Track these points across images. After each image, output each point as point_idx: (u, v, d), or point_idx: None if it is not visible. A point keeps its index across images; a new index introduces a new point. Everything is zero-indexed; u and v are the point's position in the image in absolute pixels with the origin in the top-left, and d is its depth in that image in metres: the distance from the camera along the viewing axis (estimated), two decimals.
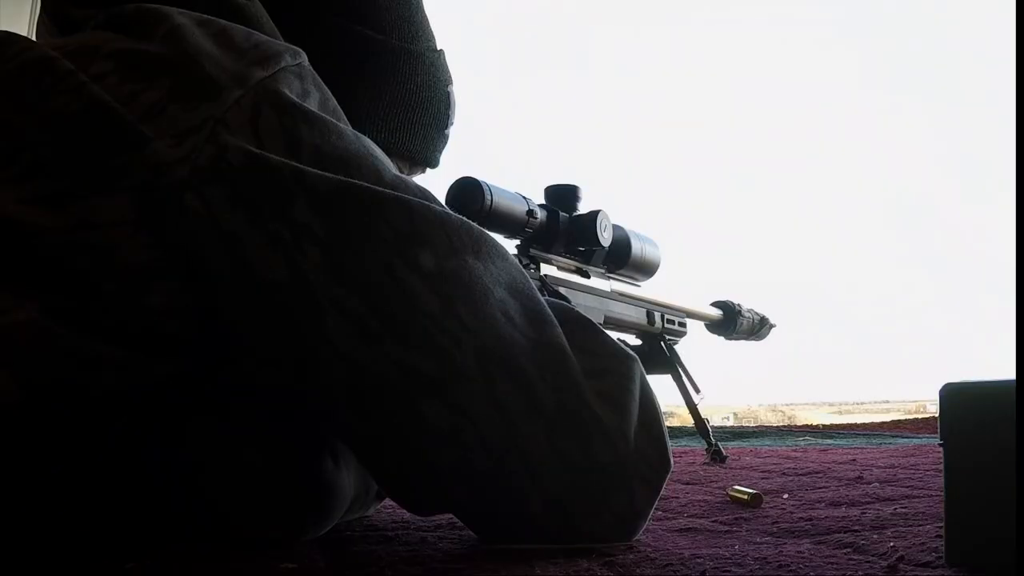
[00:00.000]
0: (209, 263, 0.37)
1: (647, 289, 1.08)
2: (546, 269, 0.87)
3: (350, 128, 0.41)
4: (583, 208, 0.92)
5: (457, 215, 0.41)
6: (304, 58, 0.42)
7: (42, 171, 0.37)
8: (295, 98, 0.39)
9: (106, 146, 0.37)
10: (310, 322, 0.37)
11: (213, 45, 0.39)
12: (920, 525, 0.54)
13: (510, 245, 0.85)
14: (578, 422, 0.40)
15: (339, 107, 0.43)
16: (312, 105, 0.40)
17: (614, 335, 1.18)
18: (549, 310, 0.42)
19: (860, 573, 0.40)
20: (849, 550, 0.46)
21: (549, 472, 0.40)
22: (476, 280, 0.39)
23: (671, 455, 0.45)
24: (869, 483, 0.82)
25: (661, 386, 1.19)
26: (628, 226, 0.99)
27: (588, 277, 0.92)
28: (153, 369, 0.38)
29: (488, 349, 0.39)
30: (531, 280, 0.43)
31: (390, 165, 0.41)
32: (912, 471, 0.92)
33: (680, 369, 1.16)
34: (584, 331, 0.44)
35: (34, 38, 0.46)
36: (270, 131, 0.37)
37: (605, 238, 0.91)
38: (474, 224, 0.42)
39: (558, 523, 0.41)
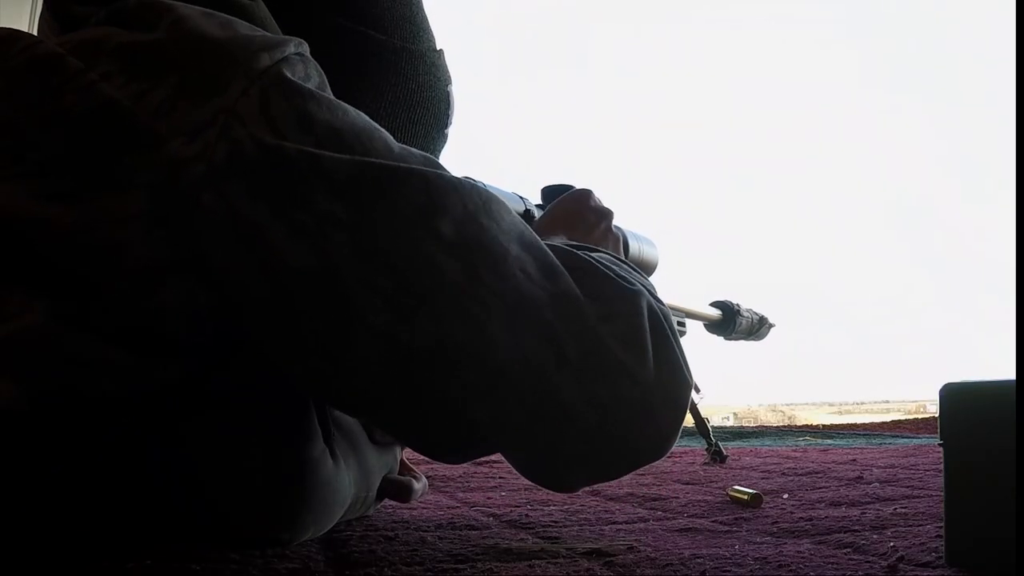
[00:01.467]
0: (230, 258, 0.37)
1: None
2: None
3: (351, 106, 0.42)
4: None
5: (464, 178, 0.41)
6: (306, 48, 0.42)
7: (52, 168, 0.37)
8: (299, 81, 0.39)
9: (118, 144, 0.37)
10: (343, 305, 0.37)
11: (219, 31, 0.39)
12: (920, 525, 0.54)
13: None
14: (604, 366, 0.41)
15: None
16: (312, 87, 0.40)
17: None
18: (556, 258, 0.43)
19: (860, 573, 0.40)
20: (849, 550, 0.46)
21: (582, 414, 0.41)
22: (493, 241, 0.40)
23: (691, 376, 0.47)
24: (869, 483, 0.82)
25: None
26: (626, 226, 0.99)
27: None
28: (156, 374, 0.38)
29: (514, 310, 0.39)
30: (534, 233, 0.44)
31: (391, 137, 0.42)
32: (912, 471, 0.92)
33: None
34: (591, 277, 0.44)
35: None
36: (281, 114, 0.38)
37: None
38: (479, 183, 0.42)
39: (594, 457, 0.43)
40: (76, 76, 0.38)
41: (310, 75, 0.41)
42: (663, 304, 0.47)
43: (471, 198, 0.40)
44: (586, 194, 0.69)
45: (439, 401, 0.40)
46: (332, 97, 0.41)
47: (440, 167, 0.41)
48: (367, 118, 0.42)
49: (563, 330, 0.40)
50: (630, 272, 0.47)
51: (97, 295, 0.36)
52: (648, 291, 0.46)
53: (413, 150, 0.41)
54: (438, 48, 0.61)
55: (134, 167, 0.36)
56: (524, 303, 0.40)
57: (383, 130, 0.41)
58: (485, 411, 0.40)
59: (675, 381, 0.44)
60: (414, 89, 0.58)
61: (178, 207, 0.36)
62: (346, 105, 0.41)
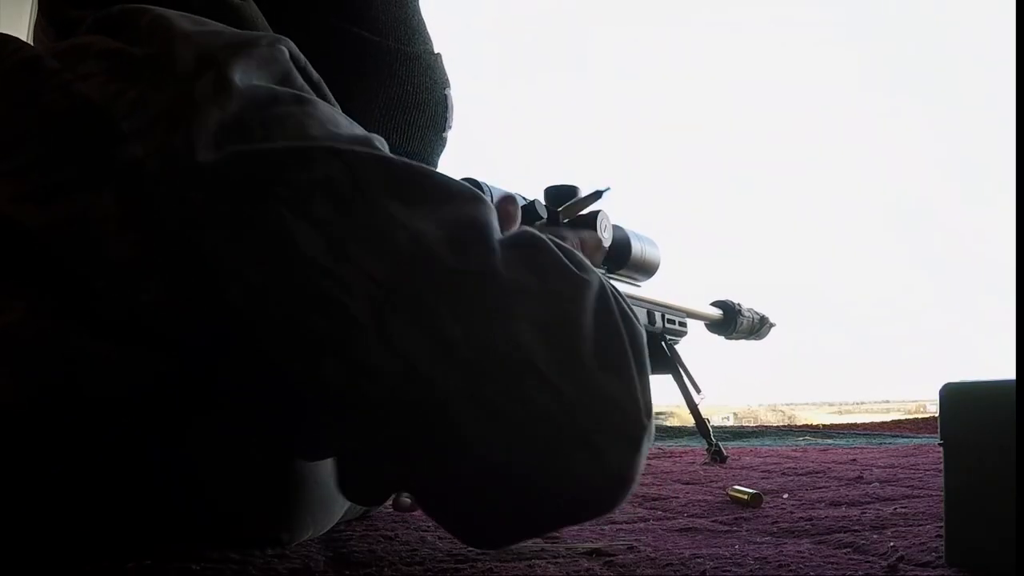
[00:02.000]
0: (187, 252, 0.36)
1: (647, 289, 1.08)
2: None
3: (302, 94, 0.39)
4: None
5: (393, 158, 0.37)
6: (286, 43, 0.42)
7: (32, 169, 0.37)
8: (237, 77, 0.38)
9: (91, 142, 0.37)
10: (216, 299, 0.35)
11: (192, 25, 0.40)
12: (920, 525, 0.54)
13: None
14: (499, 359, 0.34)
15: (311, 84, 0.42)
16: (267, 75, 0.39)
17: None
18: (493, 235, 0.37)
19: (860, 573, 0.40)
20: (849, 550, 0.46)
21: (474, 424, 0.33)
22: (383, 219, 0.35)
23: (647, 401, 0.37)
24: (869, 483, 0.82)
25: (662, 386, 1.19)
26: (628, 226, 1.00)
27: None
28: (152, 367, 0.38)
29: (384, 289, 0.34)
30: (491, 213, 0.38)
31: (338, 124, 0.38)
32: (912, 471, 0.92)
33: (681, 369, 1.16)
34: (540, 251, 0.38)
35: (31, 41, 0.47)
36: (211, 113, 0.36)
37: (605, 238, 0.91)
38: (409, 164, 0.37)
39: (500, 489, 0.35)
40: (53, 76, 0.38)
41: (275, 58, 0.40)
42: (625, 301, 0.39)
43: (376, 175, 0.36)
44: (511, 198, 0.65)
45: (309, 404, 0.35)
46: (264, 86, 0.39)
47: (372, 147, 0.38)
48: (309, 108, 0.39)
49: (449, 314, 0.34)
50: (584, 263, 0.39)
51: (85, 290, 0.36)
52: (605, 285, 0.38)
53: (343, 135, 0.38)
54: (435, 51, 0.61)
55: (105, 165, 0.36)
56: (401, 282, 0.34)
57: (320, 118, 0.38)
58: (352, 412, 0.34)
59: (628, 403, 0.36)
60: (409, 91, 0.58)
61: (142, 205, 0.36)
62: (281, 92, 0.39)
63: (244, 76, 0.38)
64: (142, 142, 0.36)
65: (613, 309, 0.38)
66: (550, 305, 0.36)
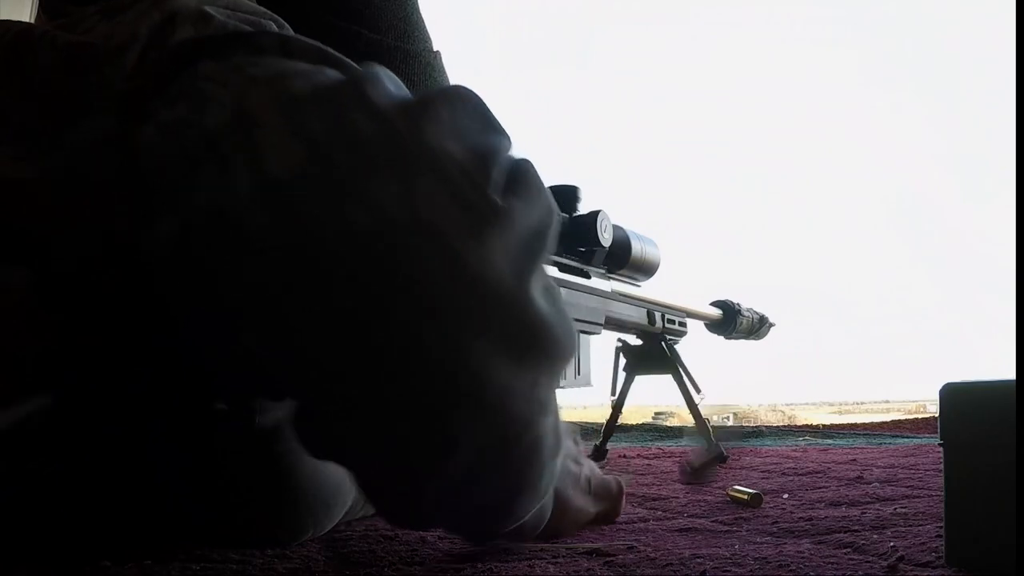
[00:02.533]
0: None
1: (647, 289, 1.08)
2: (547, 270, 0.87)
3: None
4: (583, 208, 0.92)
5: (336, 54, 0.36)
6: (281, 23, 0.42)
7: (27, 129, 0.37)
8: (220, 16, 0.38)
9: (80, 74, 0.37)
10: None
11: None
12: (920, 525, 0.54)
13: None
14: (327, 86, 0.32)
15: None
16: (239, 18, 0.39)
17: (615, 335, 1.18)
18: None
19: (860, 573, 0.40)
20: (849, 550, 0.46)
21: (273, 140, 0.30)
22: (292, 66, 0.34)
23: (519, 204, 0.32)
24: (869, 483, 0.82)
25: (662, 386, 1.19)
26: (628, 226, 1.00)
27: (589, 277, 0.92)
28: (152, 364, 0.38)
29: (258, 81, 0.32)
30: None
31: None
32: (912, 471, 0.92)
33: (681, 369, 1.16)
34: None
35: None
36: (186, 29, 0.37)
37: (605, 238, 0.91)
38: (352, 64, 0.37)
39: (279, 210, 0.29)
40: (42, 38, 0.38)
41: (262, 25, 0.40)
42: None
43: (309, 50, 0.36)
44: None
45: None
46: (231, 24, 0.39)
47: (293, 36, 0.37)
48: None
49: (314, 100, 0.31)
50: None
51: (81, 243, 0.36)
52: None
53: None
54: (435, 49, 0.61)
55: (96, 87, 0.36)
56: (288, 84, 0.32)
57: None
58: (208, 178, 0.31)
59: (463, 158, 0.31)
60: (409, 90, 0.58)
61: (132, 122, 0.35)
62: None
63: (229, 21, 0.39)
64: (134, 50, 0.36)
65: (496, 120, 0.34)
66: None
